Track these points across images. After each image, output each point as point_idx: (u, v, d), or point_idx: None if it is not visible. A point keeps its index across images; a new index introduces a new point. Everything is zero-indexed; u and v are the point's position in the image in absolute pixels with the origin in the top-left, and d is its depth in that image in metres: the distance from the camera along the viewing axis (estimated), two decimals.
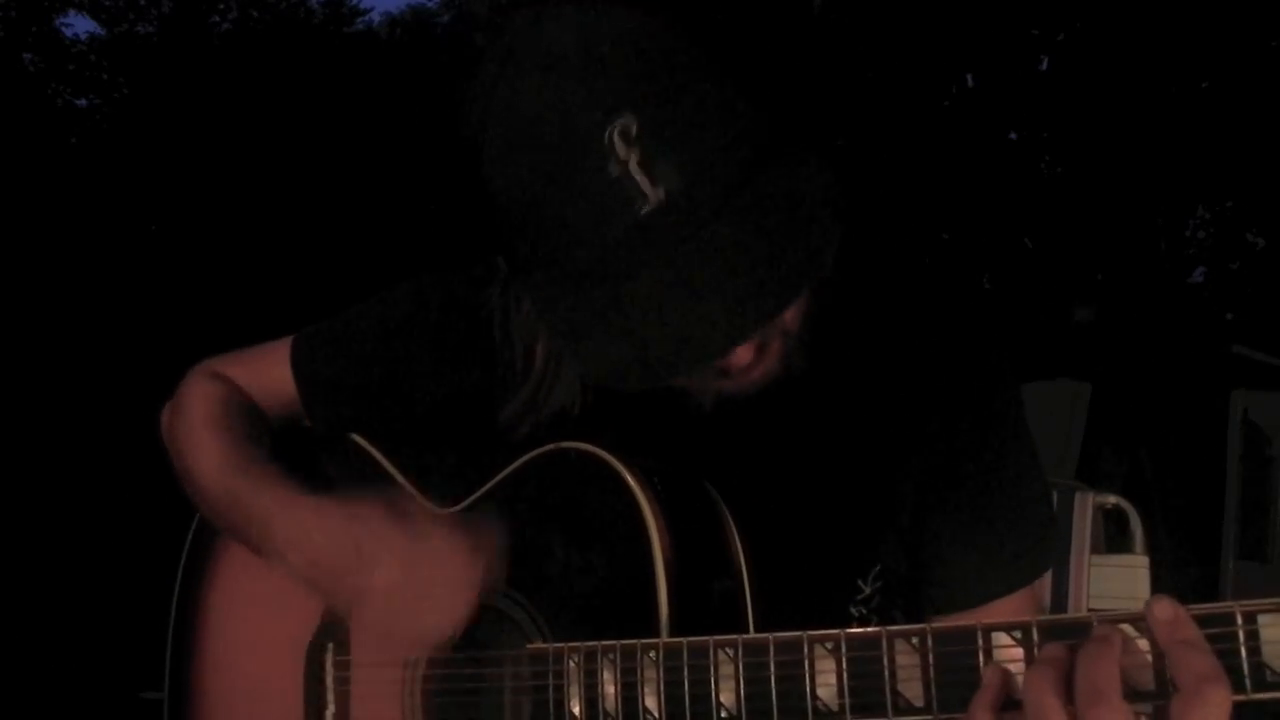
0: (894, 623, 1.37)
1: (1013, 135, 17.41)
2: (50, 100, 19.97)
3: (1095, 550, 2.92)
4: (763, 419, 1.43)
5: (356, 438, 1.64)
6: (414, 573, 1.30)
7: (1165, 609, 1.01)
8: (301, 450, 1.65)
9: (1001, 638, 1.07)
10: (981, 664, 1.07)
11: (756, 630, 1.29)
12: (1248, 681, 0.99)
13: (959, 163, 15.93)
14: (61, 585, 8.26)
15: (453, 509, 1.48)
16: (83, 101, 20.90)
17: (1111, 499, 3.05)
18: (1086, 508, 2.92)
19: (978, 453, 1.42)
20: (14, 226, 16.09)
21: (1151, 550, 2.99)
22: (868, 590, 1.42)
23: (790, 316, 1.29)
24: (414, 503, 1.41)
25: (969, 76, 16.94)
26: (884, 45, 14.79)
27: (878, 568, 1.42)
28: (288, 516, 1.43)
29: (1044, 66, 16.78)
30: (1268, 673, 0.98)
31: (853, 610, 1.42)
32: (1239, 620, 0.99)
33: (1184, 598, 1.04)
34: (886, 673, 1.10)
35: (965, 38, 15.87)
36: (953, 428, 1.42)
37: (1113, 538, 3.30)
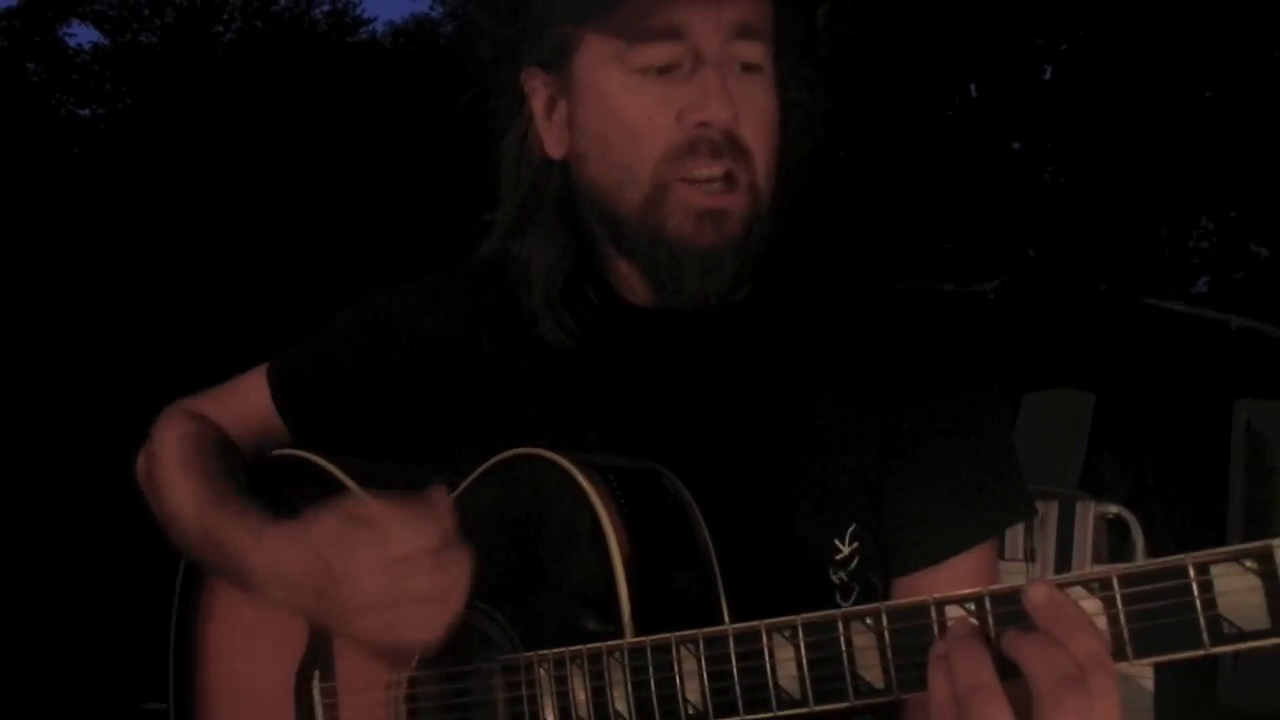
0: (872, 588, 1.39)
1: (1016, 145, 17.45)
2: (54, 110, 20.06)
3: (1097, 559, 2.92)
4: (725, 379, 1.46)
5: (316, 459, 1.64)
6: (390, 587, 1.29)
7: (1040, 593, 1.01)
8: (271, 478, 1.65)
9: (955, 610, 1.06)
10: (938, 639, 1.06)
11: (731, 611, 1.29)
12: (1205, 635, 0.96)
13: (962, 172, 15.95)
14: (64, 596, 8.27)
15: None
16: (86, 111, 21.02)
17: (1113, 508, 3.06)
18: (1088, 517, 2.93)
19: (940, 407, 1.44)
20: (17, 235, 16.13)
21: (1154, 559, 2.99)
22: (846, 551, 1.42)
23: (763, 175, 1.41)
24: (376, 506, 1.35)
25: (973, 86, 16.98)
26: (887, 55, 14.80)
27: (854, 526, 1.43)
28: (261, 550, 1.44)
29: (1048, 76, 16.82)
30: (1224, 625, 0.96)
31: (833, 577, 1.42)
32: (1191, 573, 0.96)
33: None
34: (845, 656, 1.09)
35: (969, 47, 15.90)
36: (915, 383, 1.44)
37: (1115, 547, 3.31)
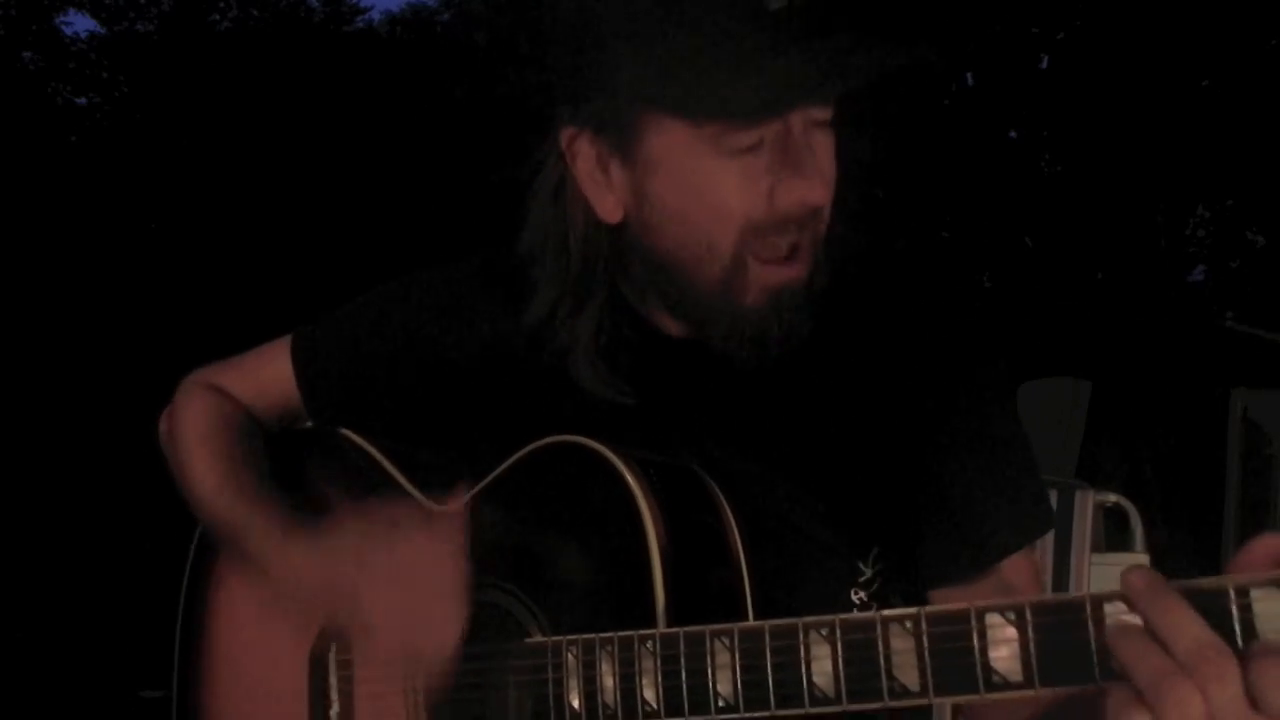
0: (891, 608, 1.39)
1: (1013, 134, 17.41)
2: (50, 99, 19.98)
3: (1095, 549, 2.92)
4: (757, 402, 1.46)
5: (351, 434, 1.64)
6: (403, 607, 1.30)
7: (1142, 576, 0.98)
8: (294, 458, 1.66)
9: (995, 618, 1.06)
10: (976, 646, 1.06)
11: (756, 616, 1.30)
12: None
13: (959, 161, 15.92)
14: (63, 584, 8.27)
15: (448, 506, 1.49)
16: (83, 100, 20.91)
17: (1111, 497, 3.06)
18: (1087, 506, 2.93)
19: (971, 425, 1.44)
20: (14, 225, 16.09)
21: (1151, 548, 3.00)
22: (869, 573, 1.43)
23: (824, 225, 1.39)
24: (392, 507, 1.39)
25: (969, 75, 16.93)
26: (884, 45, 14.76)
27: (877, 549, 1.43)
28: (280, 559, 1.46)
29: (1044, 65, 16.78)
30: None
31: (854, 597, 1.42)
32: (1233, 595, 0.97)
33: None
34: (882, 658, 1.10)
35: (965, 36, 15.87)
36: (947, 405, 1.45)
37: (1113, 536, 3.31)
